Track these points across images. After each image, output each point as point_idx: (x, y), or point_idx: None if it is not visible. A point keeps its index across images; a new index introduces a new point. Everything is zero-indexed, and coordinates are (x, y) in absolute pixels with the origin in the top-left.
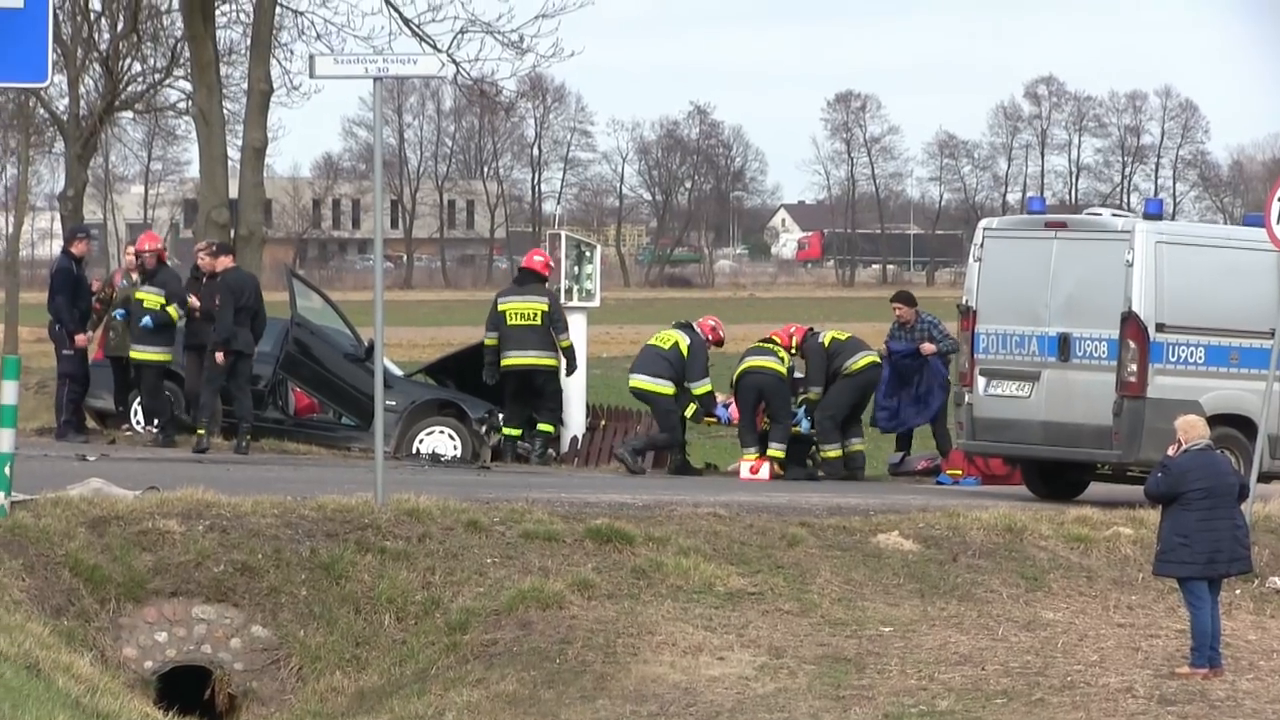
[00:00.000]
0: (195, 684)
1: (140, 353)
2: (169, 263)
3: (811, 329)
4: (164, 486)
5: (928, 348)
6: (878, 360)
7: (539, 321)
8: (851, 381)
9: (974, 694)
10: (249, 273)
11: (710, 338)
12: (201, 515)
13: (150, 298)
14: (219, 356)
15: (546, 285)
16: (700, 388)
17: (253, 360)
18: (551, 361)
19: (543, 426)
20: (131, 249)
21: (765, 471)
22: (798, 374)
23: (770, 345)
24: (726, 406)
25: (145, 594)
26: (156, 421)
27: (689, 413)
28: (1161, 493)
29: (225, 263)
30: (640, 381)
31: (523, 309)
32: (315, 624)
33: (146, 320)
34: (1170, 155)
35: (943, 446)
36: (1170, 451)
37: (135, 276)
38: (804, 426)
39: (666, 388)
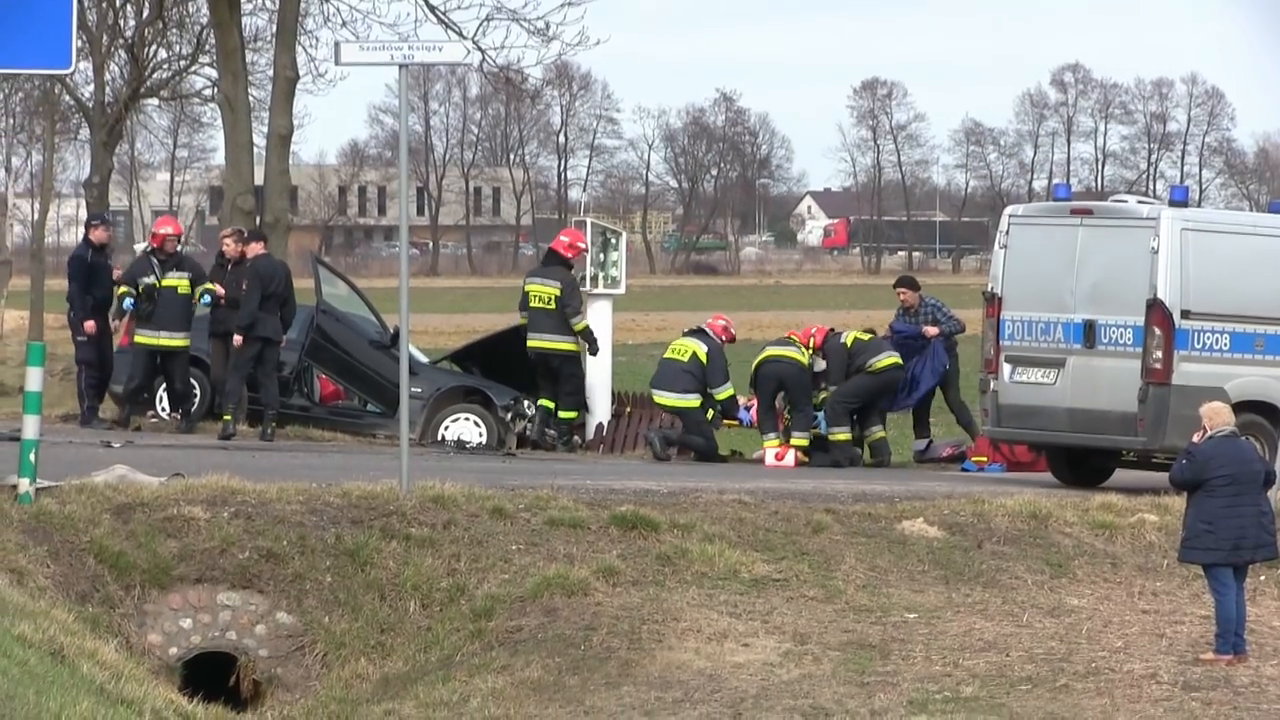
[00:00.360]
0: (220, 670)
1: (173, 339)
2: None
3: (833, 329)
4: (189, 473)
5: (931, 330)
6: (900, 363)
7: (553, 305)
8: (871, 378)
9: (998, 680)
10: (279, 260)
11: (723, 338)
12: (226, 502)
13: (183, 283)
14: (238, 340)
15: (570, 267)
16: (723, 393)
17: (280, 347)
18: (566, 346)
19: (563, 414)
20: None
21: (791, 458)
22: (818, 368)
23: (790, 340)
24: (748, 409)
25: (170, 580)
26: (181, 408)
27: (709, 416)
28: (1187, 479)
29: (256, 249)
30: (666, 398)
31: (540, 291)
32: (340, 610)
33: (206, 299)
34: (1196, 142)
35: (966, 426)
36: (1195, 438)
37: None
38: (822, 426)
39: (693, 401)
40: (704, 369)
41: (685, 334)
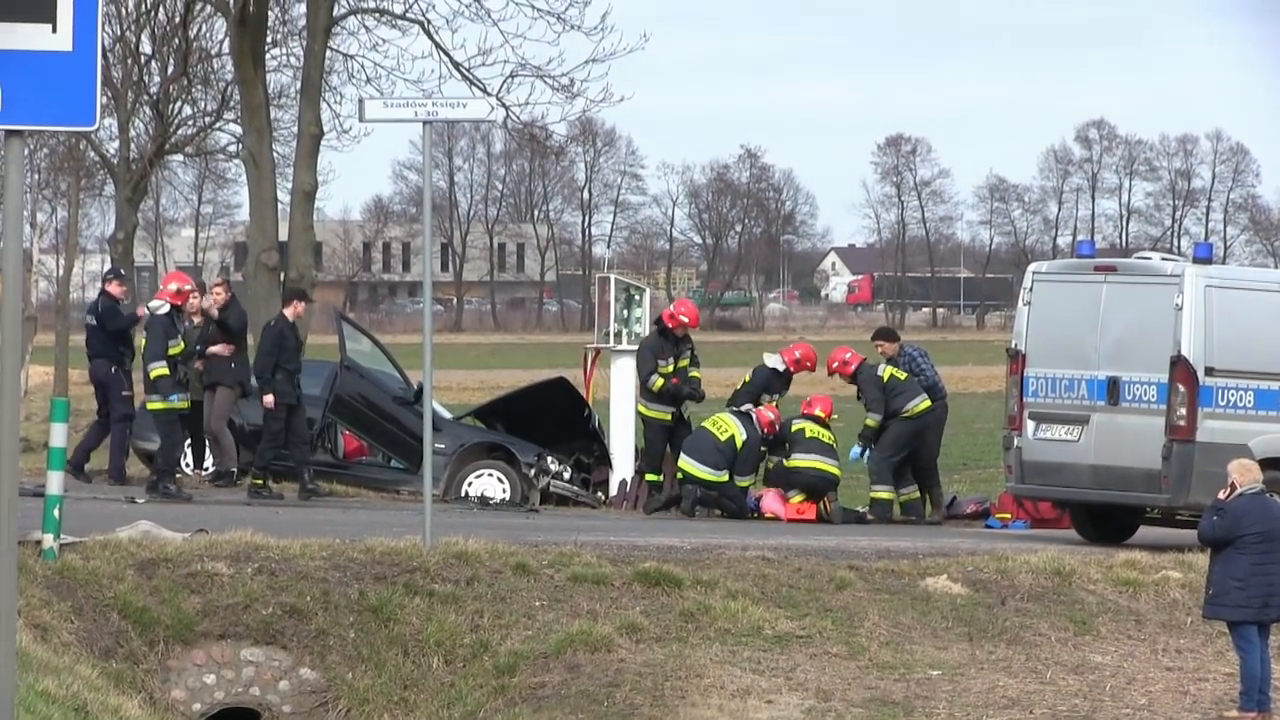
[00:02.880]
0: None
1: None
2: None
3: (865, 360)
4: (212, 529)
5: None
6: (931, 404)
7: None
8: (909, 424)
9: None
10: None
11: (766, 432)
12: (250, 558)
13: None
14: (269, 400)
15: (665, 335)
16: (743, 482)
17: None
18: (641, 410)
19: (647, 475)
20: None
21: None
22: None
23: (823, 432)
24: (759, 500)
25: (194, 636)
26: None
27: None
28: (1218, 536)
29: (301, 308)
30: (695, 469)
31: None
32: (363, 666)
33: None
34: (1221, 199)
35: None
36: (1222, 495)
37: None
38: (854, 454)
39: (721, 476)
40: (737, 455)
41: (730, 412)
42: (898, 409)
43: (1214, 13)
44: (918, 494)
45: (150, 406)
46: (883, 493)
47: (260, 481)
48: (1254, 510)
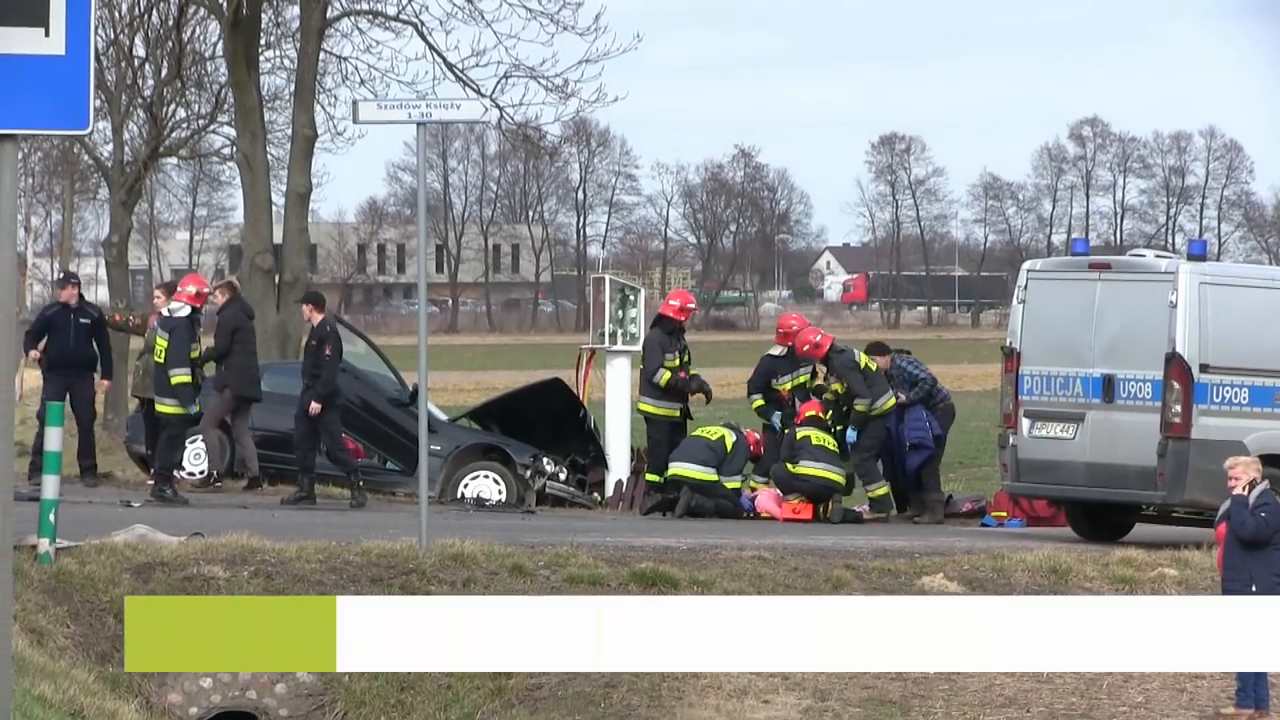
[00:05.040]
0: None
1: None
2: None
3: (835, 340)
4: (208, 532)
5: (900, 397)
6: (894, 403)
7: (643, 366)
8: (880, 421)
9: None
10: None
11: (753, 451)
12: (246, 561)
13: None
14: (318, 409)
15: (667, 329)
16: (731, 483)
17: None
18: (644, 408)
19: (646, 475)
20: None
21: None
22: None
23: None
24: (752, 499)
25: None
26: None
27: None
28: (1267, 532)
29: (316, 315)
30: (685, 469)
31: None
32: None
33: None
34: (1215, 196)
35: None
36: (1241, 491)
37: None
38: (850, 437)
39: (710, 475)
40: (727, 454)
41: (723, 424)
42: (870, 404)
43: (1208, 11)
44: (886, 489)
45: (161, 409)
46: (879, 489)
47: (361, 485)
48: None
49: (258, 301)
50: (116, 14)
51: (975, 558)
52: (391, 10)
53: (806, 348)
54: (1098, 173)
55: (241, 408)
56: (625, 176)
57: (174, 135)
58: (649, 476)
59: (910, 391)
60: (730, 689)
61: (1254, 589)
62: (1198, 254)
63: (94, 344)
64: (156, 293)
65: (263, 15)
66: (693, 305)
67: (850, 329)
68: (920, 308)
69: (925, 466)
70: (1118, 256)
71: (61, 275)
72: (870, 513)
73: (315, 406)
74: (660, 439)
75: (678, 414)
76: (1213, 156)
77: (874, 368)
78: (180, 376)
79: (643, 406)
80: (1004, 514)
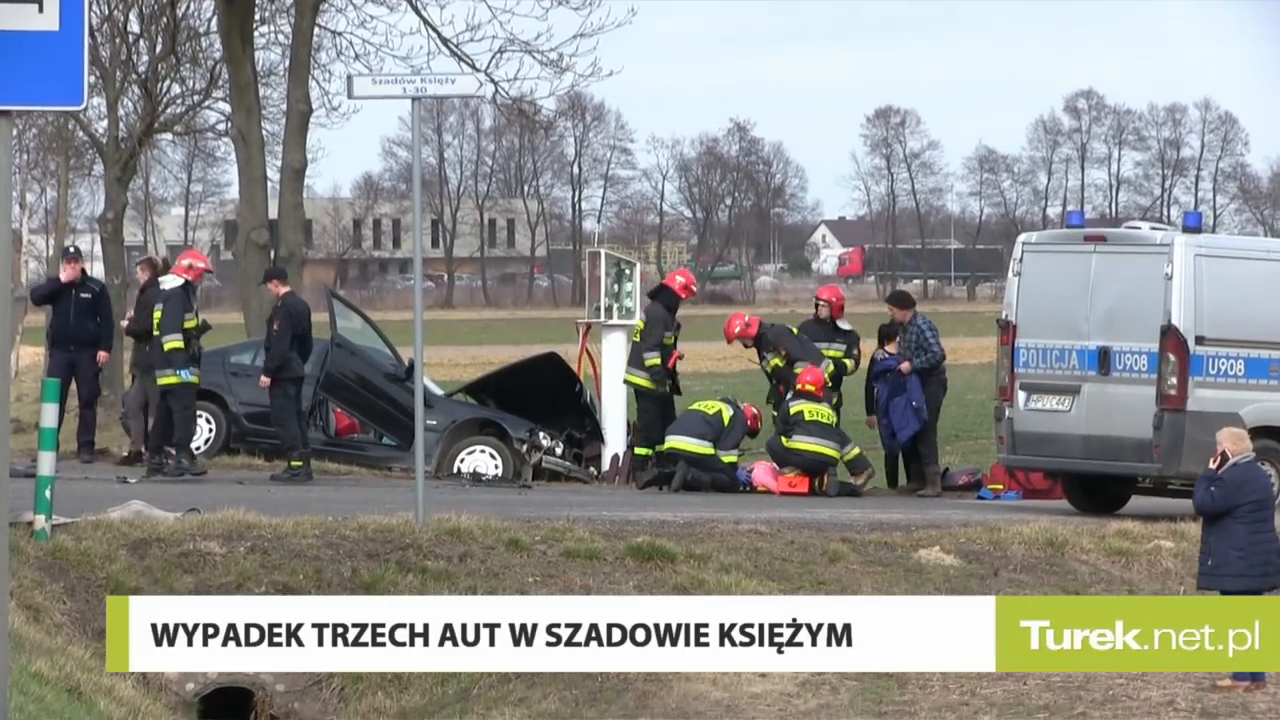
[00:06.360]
0: (237, 706)
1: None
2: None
3: (761, 320)
4: (205, 508)
5: (905, 367)
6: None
7: (639, 339)
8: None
9: (1015, 709)
10: (303, 299)
11: (750, 425)
12: (242, 536)
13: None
14: (267, 382)
15: (668, 305)
16: (727, 457)
17: (301, 384)
18: (636, 380)
19: (636, 450)
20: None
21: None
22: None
23: (823, 411)
24: (749, 471)
25: None
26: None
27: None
28: (1219, 507)
29: (282, 288)
30: (681, 442)
31: (640, 325)
32: None
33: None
34: (1210, 168)
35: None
36: (1212, 465)
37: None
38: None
39: (707, 448)
40: (723, 429)
41: (721, 399)
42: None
43: None
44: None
45: (162, 381)
46: (854, 450)
47: (299, 464)
48: (1251, 479)
49: (253, 277)
50: None
51: (972, 530)
52: None
53: (739, 330)
54: (1093, 145)
55: (150, 385)
56: (620, 151)
57: (169, 111)
58: (639, 450)
59: (918, 358)
60: None
61: (1209, 562)
62: (1193, 226)
63: (96, 318)
64: (138, 268)
65: None
66: (695, 288)
67: (846, 302)
68: (916, 281)
69: (923, 439)
70: (1113, 229)
71: (74, 249)
72: (855, 471)
73: (264, 380)
74: (651, 411)
75: (661, 388)
76: (1208, 129)
77: (804, 337)
78: (172, 342)
79: (630, 378)
80: (1000, 487)
